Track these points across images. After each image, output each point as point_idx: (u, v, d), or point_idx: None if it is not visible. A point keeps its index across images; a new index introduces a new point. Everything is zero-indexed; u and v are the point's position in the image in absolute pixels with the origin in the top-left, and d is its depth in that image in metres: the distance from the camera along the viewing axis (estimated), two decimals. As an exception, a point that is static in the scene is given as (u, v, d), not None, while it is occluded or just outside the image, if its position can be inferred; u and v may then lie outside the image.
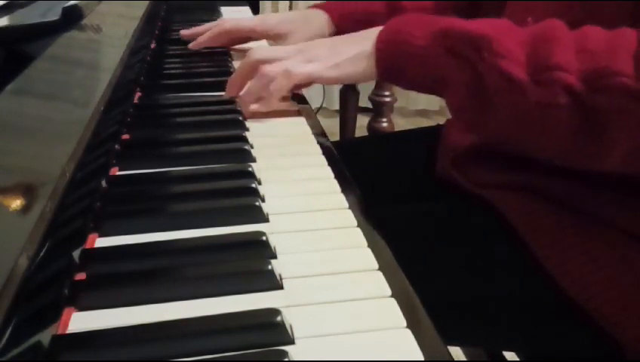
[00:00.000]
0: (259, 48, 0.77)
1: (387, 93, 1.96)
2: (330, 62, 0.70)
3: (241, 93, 0.77)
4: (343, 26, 0.93)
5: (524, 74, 0.56)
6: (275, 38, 0.97)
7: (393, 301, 0.42)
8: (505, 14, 0.75)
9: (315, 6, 0.98)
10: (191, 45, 1.01)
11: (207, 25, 1.04)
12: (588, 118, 0.54)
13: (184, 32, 1.05)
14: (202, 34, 1.01)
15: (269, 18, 0.99)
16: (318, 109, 2.26)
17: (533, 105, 0.56)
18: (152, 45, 1.07)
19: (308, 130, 0.72)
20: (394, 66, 0.66)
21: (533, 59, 0.56)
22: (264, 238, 0.47)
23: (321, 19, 0.94)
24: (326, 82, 0.72)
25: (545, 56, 0.55)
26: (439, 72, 0.62)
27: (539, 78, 0.55)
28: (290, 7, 2.85)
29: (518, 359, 0.87)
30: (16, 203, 0.40)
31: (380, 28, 0.68)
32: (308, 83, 0.73)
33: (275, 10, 2.88)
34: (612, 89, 0.52)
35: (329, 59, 0.70)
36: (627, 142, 0.55)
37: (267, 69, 0.72)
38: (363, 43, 0.68)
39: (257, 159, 0.63)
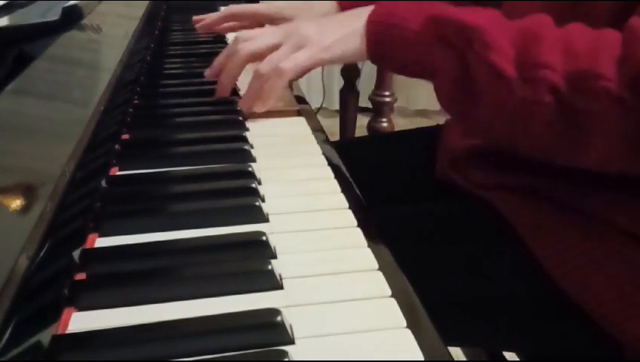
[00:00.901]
0: (243, 36, 0.75)
1: (387, 93, 1.96)
2: (320, 45, 0.68)
3: (241, 95, 0.76)
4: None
5: (513, 69, 0.56)
6: (281, 22, 0.97)
7: (393, 301, 0.42)
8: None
9: None
10: (198, 26, 1.02)
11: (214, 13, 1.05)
12: (569, 117, 0.55)
13: (196, 18, 1.05)
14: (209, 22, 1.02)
15: (274, 3, 0.98)
16: (318, 109, 2.26)
17: (518, 100, 0.56)
18: (152, 45, 1.07)
19: (308, 130, 0.72)
20: (384, 49, 0.65)
21: (522, 55, 0.56)
22: (264, 238, 0.47)
23: (326, 2, 0.94)
24: (318, 66, 0.71)
25: (533, 54, 0.55)
26: (429, 58, 0.62)
27: (526, 74, 0.55)
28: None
29: (518, 359, 0.87)
30: (16, 203, 0.40)
31: (370, 7, 0.66)
32: (302, 74, 0.72)
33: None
34: (594, 91, 0.53)
35: (319, 41, 0.68)
36: (604, 143, 0.55)
37: (260, 69, 0.71)
38: (353, 23, 0.67)
39: (257, 159, 0.63)
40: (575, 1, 0.62)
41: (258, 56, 0.72)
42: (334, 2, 0.93)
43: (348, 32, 0.67)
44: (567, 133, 0.56)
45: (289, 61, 0.69)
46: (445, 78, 0.61)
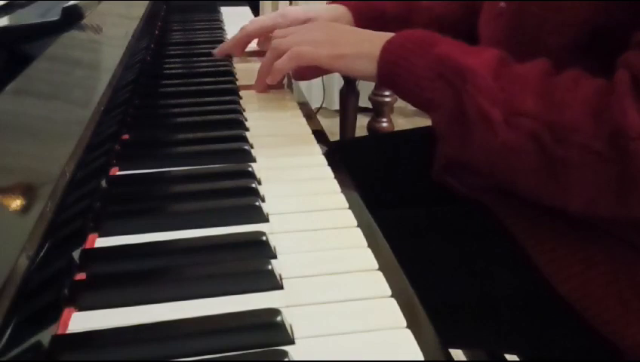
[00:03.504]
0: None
1: (387, 93, 1.96)
2: (337, 53, 0.72)
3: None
4: (361, 22, 0.92)
5: (498, 113, 0.59)
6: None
7: (393, 301, 0.42)
8: None
9: (334, 1, 0.97)
10: (215, 51, 1.00)
11: (232, 40, 1.02)
12: (550, 165, 0.58)
13: (215, 52, 1.01)
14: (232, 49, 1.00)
15: (289, 12, 0.98)
16: (318, 109, 2.26)
17: (501, 143, 0.59)
18: (152, 45, 1.06)
19: (308, 130, 0.72)
20: (392, 76, 0.69)
21: (509, 101, 0.59)
22: (264, 238, 0.47)
23: (342, 12, 0.94)
24: (327, 71, 0.76)
25: (519, 101, 0.59)
26: (429, 92, 0.65)
27: (510, 120, 0.59)
28: (290, 7, 2.85)
29: (518, 359, 0.86)
30: (16, 203, 0.40)
31: (389, 35, 0.70)
32: (310, 65, 0.76)
33: (275, 10, 2.88)
34: (572, 143, 0.56)
35: (336, 48, 0.72)
36: (586, 191, 0.58)
37: (278, 44, 0.76)
38: (371, 46, 0.70)
39: (257, 159, 0.63)
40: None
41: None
42: (347, 11, 0.93)
43: (364, 51, 0.71)
44: (549, 180, 0.59)
45: (307, 52, 0.73)
46: (442, 113, 0.65)
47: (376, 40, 0.70)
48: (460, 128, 0.63)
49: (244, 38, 0.97)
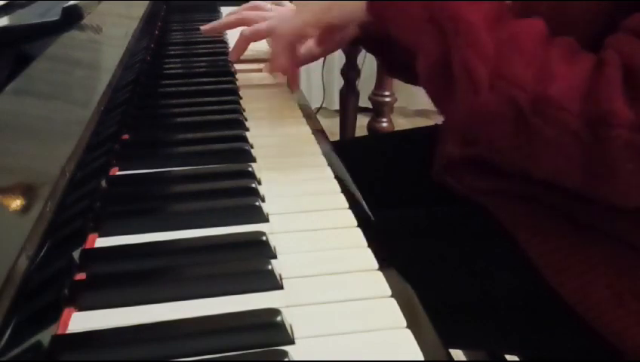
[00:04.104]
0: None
1: (387, 93, 1.96)
2: (322, 6, 0.72)
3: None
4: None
5: (485, 72, 0.57)
6: None
7: (393, 301, 0.42)
8: None
9: None
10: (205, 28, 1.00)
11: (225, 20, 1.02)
12: (525, 134, 0.57)
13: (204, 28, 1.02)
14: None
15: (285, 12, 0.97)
16: (318, 109, 2.26)
17: (481, 103, 0.58)
18: (152, 45, 1.06)
19: (308, 130, 0.72)
20: (380, 16, 0.67)
21: (498, 63, 0.57)
22: (264, 238, 0.47)
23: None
24: (316, 25, 0.76)
25: (508, 65, 0.57)
26: (416, 36, 0.63)
27: (495, 82, 0.57)
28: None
29: (518, 360, 0.87)
30: (16, 203, 0.40)
31: None
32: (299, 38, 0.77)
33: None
34: (554, 119, 0.55)
35: (319, 5, 0.72)
36: (555, 164, 0.57)
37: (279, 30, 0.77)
38: None
39: (257, 159, 0.63)
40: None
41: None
42: None
43: None
44: (521, 146, 0.58)
45: (294, 20, 0.74)
46: (426, 59, 0.62)
47: None
48: (443, 80, 0.61)
49: (243, 44, 0.95)
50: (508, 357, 1.02)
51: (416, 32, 0.63)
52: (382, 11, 0.67)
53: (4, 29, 0.68)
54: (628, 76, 0.53)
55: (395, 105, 2.07)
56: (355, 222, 0.51)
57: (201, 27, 1.00)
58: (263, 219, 0.52)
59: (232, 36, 1.00)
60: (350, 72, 2.05)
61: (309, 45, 0.86)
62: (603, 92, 0.53)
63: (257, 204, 0.53)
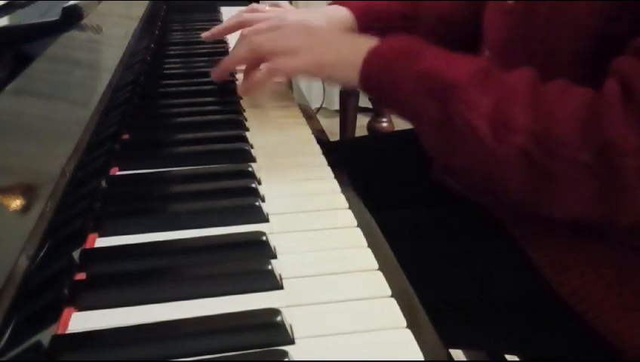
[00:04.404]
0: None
1: (387, 93, 1.96)
2: (317, 61, 0.70)
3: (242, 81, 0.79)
4: (365, 22, 0.92)
5: (487, 127, 0.58)
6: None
7: (393, 301, 0.42)
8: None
9: (335, 2, 0.96)
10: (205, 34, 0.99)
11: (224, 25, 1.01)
12: (539, 177, 0.57)
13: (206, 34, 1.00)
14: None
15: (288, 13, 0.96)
16: (318, 109, 2.26)
17: (491, 156, 0.59)
18: (152, 45, 1.06)
19: (308, 130, 0.72)
20: (376, 88, 0.68)
21: (497, 114, 0.58)
22: (264, 238, 0.47)
23: (343, 15, 0.93)
24: (307, 78, 0.75)
25: (507, 115, 0.58)
26: (414, 106, 0.64)
27: (499, 134, 0.58)
28: (290, 7, 2.85)
29: (518, 359, 0.87)
30: (16, 203, 0.40)
31: (371, 43, 0.68)
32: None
33: (275, 10, 2.87)
34: (561, 157, 0.55)
35: (316, 56, 0.70)
36: (575, 202, 0.57)
37: (257, 44, 0.73)
38: (352, 54, 0.68)
39: (257, 159, 0.63)
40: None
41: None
42: (348, 12, 0.92)
43: (346, 61, 0.69)
44: (537, 190, 0.59)
45: (285, 64, 0.71)
46: (428, 125, 0.64)
47: (357, 48, 0.68)
48: (448, 140, 0.62)
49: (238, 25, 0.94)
50: (508, 357, 1.02)
51: (413, 105, 0.64)
52: (376, 90, 0.68)
53: (4, 29, 0.68)
54: (631, 101, 0.53)
55: (395, 105, 2.07)
56: (355, 222, 0.51)
57: (202, 34, 0.99)
58: (263, 219, 0.52)
59: (233, 36, 1.00)
60: (350, 72, 2.05)
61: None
62: (604, 120, 0.53)
63: (257, 203, 0.53)
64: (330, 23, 0.90)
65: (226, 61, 0.80)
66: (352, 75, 0.68)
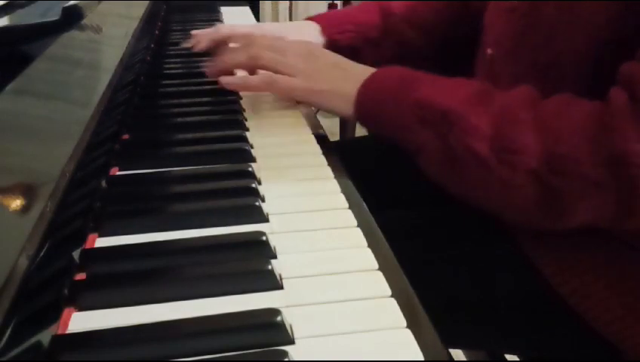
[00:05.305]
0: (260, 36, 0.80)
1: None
2: (312, 87, 0.71)
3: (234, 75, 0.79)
4: (332, 36, 0.92)
5: (489, 152, 0.58)
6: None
7: (393, 301, 0.42)
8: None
9: (309, 18, 0.98)
10: (193, 49, 1.00)
11: (204, 31, 1.02)
12: (549, 195, 0.57)
13: (186, 45, 1.01)
14: (200, 40, 0.99)
15: (264, 26, 0.99)
16: (318, 109, 2.26)
17: (497, 180, 0.58)
18: (152, 45, 1.06)
19: (308, 130, 0.72)
20: (371, 120, 0.68)
21: (498, 137, 0.58)
22: (264, 238, 0.47)
23: (312, 29, 0.94)
24: (301, 102, 0.76)
25: (509, 137, 0.57)
26: (413, 137, 0.64)
27: (502, 157, 0.57)
28: (291, 7, 2.85)
29: (518, 359, 0.87)
30: (16, 203, 0.40)
31: (366, 74, 0.68)
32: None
33: (275, 10, 2.88)
34: (570, 174, 0.55)
35: (313, 82, 0.71)
36: (586, 214, 0.57)
37: (256, 52, 0.74)
38: (347, 85, 0.69)
39: (257, 159, 0.63)
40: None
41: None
42: (318, 26, 0.93)
43: (340, 90, 0.69)
44: (546, 208, 0.58)
45: (284, 82, 0.72)
46: (430, 155, 0.63)
47: (352, 78, 0.69)
48: (451, 168, 0.62)
49: (219, 40, 0.94)
50: (508, 357, 1.02)
51: (411, 135, 0.64)
52: (371, 122, 0.68)
53: (4, 29, 0.68)
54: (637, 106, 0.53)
55: (395, 105, 2.07)
56: (355, 222, 0.51)
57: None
58: (263, 219, 0.52)
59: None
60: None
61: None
62: (614, 131, 0.53)
63: (257, 203, 0.53)
64: (303, 37, 0.90)
65: (223, 61, 0.79)
66: (346, 107, 0.68)
